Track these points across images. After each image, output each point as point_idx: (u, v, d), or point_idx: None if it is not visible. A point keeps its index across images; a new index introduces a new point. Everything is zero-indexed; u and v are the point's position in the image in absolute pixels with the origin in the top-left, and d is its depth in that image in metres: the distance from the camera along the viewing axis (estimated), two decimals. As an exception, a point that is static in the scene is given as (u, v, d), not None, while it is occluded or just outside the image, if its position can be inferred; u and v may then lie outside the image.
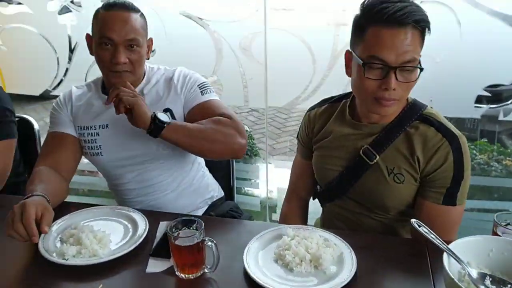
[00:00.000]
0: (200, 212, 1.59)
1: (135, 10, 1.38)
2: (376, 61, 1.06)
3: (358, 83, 1.12)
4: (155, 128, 1.26)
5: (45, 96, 2.56)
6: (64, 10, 2.27)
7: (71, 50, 2.35)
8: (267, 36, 2.08)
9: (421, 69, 1.08)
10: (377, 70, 1.07)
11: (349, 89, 1.22)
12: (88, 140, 1.46)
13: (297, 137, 1.47)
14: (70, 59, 2.36)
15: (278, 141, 4.51)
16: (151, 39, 1.45)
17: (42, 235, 1.12)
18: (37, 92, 2.49)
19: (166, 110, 1.41)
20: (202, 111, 1.41)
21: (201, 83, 1.46)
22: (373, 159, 1.18)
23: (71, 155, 1.46)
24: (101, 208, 1.34)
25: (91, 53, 1.42)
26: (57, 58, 2.37)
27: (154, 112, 1.27)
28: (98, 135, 1.45)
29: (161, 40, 1.86)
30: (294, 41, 2.08)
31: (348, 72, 1.18)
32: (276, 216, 2.49)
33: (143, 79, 1.48)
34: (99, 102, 1.47)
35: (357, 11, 1.13)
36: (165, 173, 1.51)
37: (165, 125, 1.27)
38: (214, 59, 2.20)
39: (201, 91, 1.45)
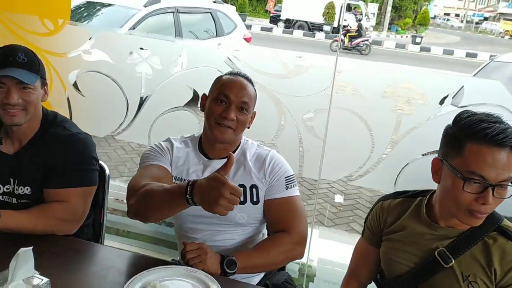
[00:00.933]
0: (256, 279, 1.65)
1: (252, 83, 1.60)
2: (476, 178, 1.13)
3: (452, 193, 1.19)
4: (226, 275, 1.41)
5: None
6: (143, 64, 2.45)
7: (141, 102, 2.50)
8: (330, 114, 2.19)
9: None
10: (475, 185, 1.14)
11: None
12: None
13: (365, 222, 1.53)
14: (139, 109, 2.51)
15: (309, 203, 4.55)
16: (255, 112, 1.63)
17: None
18: (101, 134, 2.63)
19: (253, 187, 1.55)
20: (279, 207, 1.56)
21: (288, 176, 1.59)
22: (448, 262, 1.23)
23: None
24: (176, 268, 1.39)
25: (202, 110, 1.62)
26: (127, 107, 2.52)
27: (221, 268, 1.41)
28: None
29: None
30: (356, 121, 2.18)
31: (436, 179, 1.26)
32: (313, 286, 2.50)
33: (238, 147, 1.63)
34: (195, 159, 1.61)
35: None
36: (235, 238, 1.58)
37: (234, 272, 1.42)
38: (276, 127, 2.31)
39: (286, 185, 1.57)
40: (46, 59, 2.52)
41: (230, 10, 8.17)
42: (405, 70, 2.22)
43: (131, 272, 1.35)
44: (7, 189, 1.59)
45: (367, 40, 17.21)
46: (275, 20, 25.01)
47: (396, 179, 2.15)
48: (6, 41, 2.54)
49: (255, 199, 1.56)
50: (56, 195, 1.54)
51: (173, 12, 6.76)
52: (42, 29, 2.51)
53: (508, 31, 29.07)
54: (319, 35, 22.34)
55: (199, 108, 1.66)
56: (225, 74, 1.62)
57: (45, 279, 1.17)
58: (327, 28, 23.58)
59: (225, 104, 1.53)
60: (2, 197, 1.60)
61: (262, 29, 21.68)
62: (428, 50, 19.80)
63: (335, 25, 23.98)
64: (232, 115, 1.51)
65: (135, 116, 2.53)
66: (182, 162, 1.61)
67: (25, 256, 1.14)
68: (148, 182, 1.41)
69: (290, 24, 24.06)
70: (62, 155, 1.57)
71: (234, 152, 1.61)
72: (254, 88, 1.61)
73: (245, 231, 1.60)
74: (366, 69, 2.24)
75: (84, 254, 1.50)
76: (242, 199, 1.54)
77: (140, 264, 1.41)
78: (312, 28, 23.87)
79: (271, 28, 22.71)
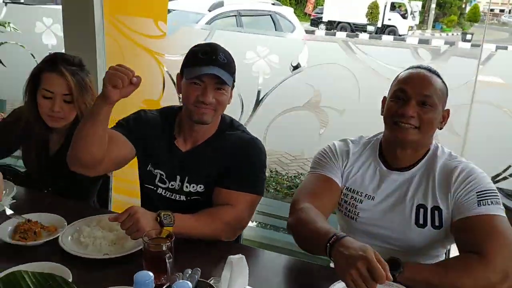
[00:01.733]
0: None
1: (438, 75, 1.38)
2: None
3: None
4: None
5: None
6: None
7: (257, 102, 2.42)
8: (472, 110, 2.03)
9: None
10: None
11: None
12: (349, 202, 1.43)
13: None
14: (254, 110, 2.44)
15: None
16: (448, 111, 1.40)
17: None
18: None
19: (435, 209, 1.32)
20: (469, 227, 1.24)
21: (481, 191, 1.26)
22: None
23: (333, 203, 1.44)
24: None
25: (382, 114, 1.42)
26: (242, 107, 2.45)
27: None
28: (361, 202, 1.42)
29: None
30: (502, 117, 2.02)
31: None
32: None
33: (425, 154, 1.40)
34: (372, 169, 1.44)
35: None
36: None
37: (397, 274, 1.15)
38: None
39: (478, 201, 1.25)
40: (159, 61, 2.50)
41: (288, 12, 8.09)
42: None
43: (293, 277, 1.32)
44: (171, 185, 1.55)
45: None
46: (316, 22, 24.82)
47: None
48: (119, 44, 2.53)
49: (437, 223, 1.33)
50: (227, 196, 1.47)
51: (235, 16, 6.76)
52: (155, 31, 2.48)
53: None
54: (363, 36, 21.97)
55: (380, 112, 1.44)
56: (405, 69, 1.43)
57: (252, 289, 1.08)
58: (371, 28, 23.17)
59: (403, 100, 1.33)
60: (165, 193, 1.56)
61: (306, 31, 21.56)
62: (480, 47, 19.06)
63: (379, 25, 23.54)
64: (411, 112, 1.29)
65: (250, 117, 2.45)
66: (356, 171, 1.45)
67: (240, 265, 1.05)
68: (307, 206, 1.33)
69: (332, 26, 23.81)
70: (241, 157, 1.50)
71: (421, 159, 1.39)
72: (443, 81, 1.38)
73: (423, 256, 1.39)
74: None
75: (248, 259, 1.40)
76: (422, 221, 1.34)
77: (296, 268, 1.36)
78: (354, 29, 23.52)
79: (313, 30, 22.53)
